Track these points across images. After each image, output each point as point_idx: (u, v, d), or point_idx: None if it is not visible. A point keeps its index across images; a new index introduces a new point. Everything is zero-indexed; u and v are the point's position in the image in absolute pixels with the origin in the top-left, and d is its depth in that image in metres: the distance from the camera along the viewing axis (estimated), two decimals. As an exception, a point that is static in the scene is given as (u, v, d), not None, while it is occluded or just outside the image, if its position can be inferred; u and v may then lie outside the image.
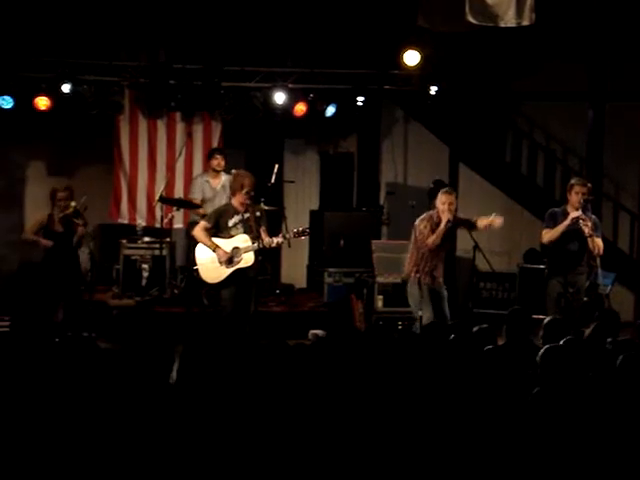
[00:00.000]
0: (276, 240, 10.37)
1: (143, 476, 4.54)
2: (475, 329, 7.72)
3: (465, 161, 15.04)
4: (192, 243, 11.27)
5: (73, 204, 10.99)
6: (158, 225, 13.24)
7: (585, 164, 14.35)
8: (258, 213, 10.40)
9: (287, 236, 10.55)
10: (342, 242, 13.71)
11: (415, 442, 4.73)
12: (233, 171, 11.10)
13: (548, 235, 10.48)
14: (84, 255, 11.45)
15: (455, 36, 12.43)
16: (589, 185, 10.62)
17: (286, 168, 14.65)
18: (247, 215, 10.23)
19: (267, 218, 10.72)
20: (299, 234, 10.58)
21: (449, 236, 10.77)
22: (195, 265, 10.57)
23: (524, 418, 5.10)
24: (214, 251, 10.23)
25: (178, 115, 13.96)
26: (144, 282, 13.05)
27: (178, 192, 13.74)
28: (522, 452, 4.55)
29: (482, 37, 12.53)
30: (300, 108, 13.58)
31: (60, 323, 10.09)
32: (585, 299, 10.92)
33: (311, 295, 13.93)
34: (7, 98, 12.55)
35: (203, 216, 11.38)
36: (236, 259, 10.21)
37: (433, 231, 10.56)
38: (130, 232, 13.51)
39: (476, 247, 11.51)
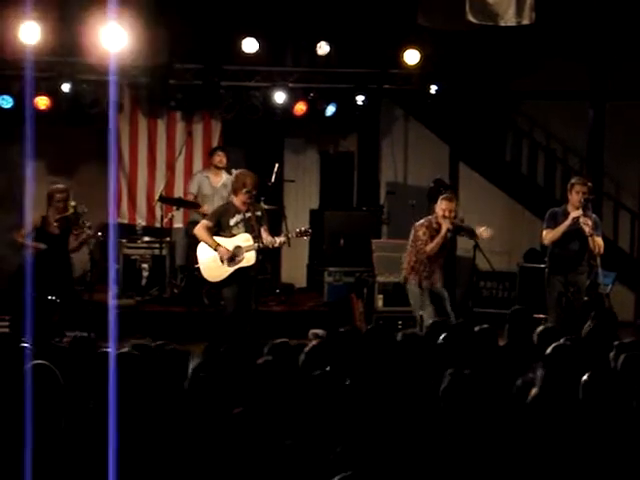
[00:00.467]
0: (279, 240, 10.37)
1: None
2: (476, 329, 7.72)
3: (465, 160, 15.03)
4: (192, 242, 11.26)
5: (73, 204, 10.91)
6: (158, 225, 13.23)
7: (585, 163, 14.35)
8: (259, 212, 10.39)
9: (289, 236, 10.53)
10: (342, 241, 13.71)
11: (416, 442, 4.71)
12: (234, 170, 11.10)
13: (549, 235, 10.47)
14: (84, 255, 11.37)
15: (455, 35, 12.42)
16: (589, 184, 10.60)
17: (286, 167, 14.65)
18: (248, 214, 10.22)
19: (267, 217, 10.71)
20: (301, 234, 10.58)
21: (448, 243, 10.83)
22: (196, 264, 10.57)
23: (524, 418, 5.09)
24: (215, 249, 10.22)
25: (178, 114, 13.97)
26: (144, 282, 13.05)
27: (178, 191, 13.74)
28: (523, 453, 4.54)
29: (482, 36, 12.52)
30: (300, 107, 13.57)
31: (56, 324, 10.03)
32: (586, 298, 10.92)
33: (311, 294, 13.93)
34: (7, 98, 12.56)
35: (204, 215, 11.38)
36: (238, 258, 10.21)
37: (432, 237, 10.59)
38: (130, 232, 13.50)
39: (476, 246, 11.48)
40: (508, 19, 11.22)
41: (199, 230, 10.41)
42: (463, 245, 13.09)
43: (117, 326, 5.99)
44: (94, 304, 10.69)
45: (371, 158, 15.11)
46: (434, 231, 10.62)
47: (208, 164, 13.36)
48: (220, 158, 12.94)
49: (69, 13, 12.11)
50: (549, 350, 6.54)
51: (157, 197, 13.04)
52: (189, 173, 13.87)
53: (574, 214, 10.23)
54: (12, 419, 4.79)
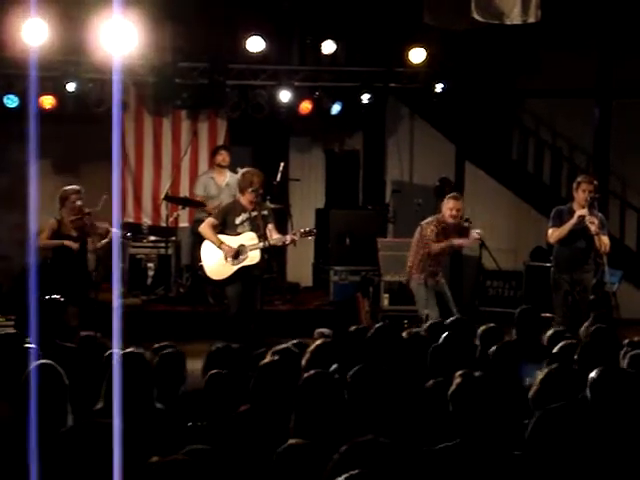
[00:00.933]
0: (289, 238, 10.38)
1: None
2: (482, 328, 7.71)
3: (471, 159, 15.01)
4: (198, 241, 11.26)
5: (87, 211, 10.71)
6: (164, 224, 13.22)
7: (592, 161, 14.33)
8: (265, 211, 10.38)
9: (295, 235, 10.52)
10: (348, 240, 13.68)
11: (423, 442, 4.70)
12: (239, 169, 11.09)
13: (555, 234, 10.43)
14: (91, 255, 11.32)
15: (461, 33, 12.40)
16: (596, 183, 10.57)
17: (292, 166, 14.64)
18: (254, 213, 10.22)
19: (273, 216, 10.70)
20: (306, 234, 10.57)
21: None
22: (200, 262, 10.57)
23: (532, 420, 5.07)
24: (219, 247, 10.22)
25: (183, 113, 13.97)
26: (149, 281, 13.04)
27: (183, 190, 13.75)
28: (533, 455, 4.52)
29: (488, 34, 12.50)
30: (305, 106, 13.57)
31: (73, 327, 9.95)
32: (592, 297, 10.89)
33: (317, 293, 13.92)
34: (12, 97, 12.56)
35: (209, 214, 11.37)
36: (242, 256, 10.20)
37: (438, 235, 10.62)
38: (135, 231, 13.49)
39: (482, 245, 11.48)
40: (514, 17, 11.20)
41: (204, 228, 10.42)
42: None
43: (122, 326, 5.96)
44: (100, 303, 10.68)
45: (377, 157, 15.10)
46: (442, 230, 10.63)
47: (211, 163, 13.35)
48: (223, 157, 12.93)
49: (74, 12, 12.10)
50: (556, 349, 6.56)
51: (163, 196, 13.03)
52: (195, 172, 13.86)
53: (580, 213, 10.20)
54: (16, 419, 4.78)
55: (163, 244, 13.00)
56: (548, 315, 10.44)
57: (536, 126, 15.13)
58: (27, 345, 5.95)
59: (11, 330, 6.94)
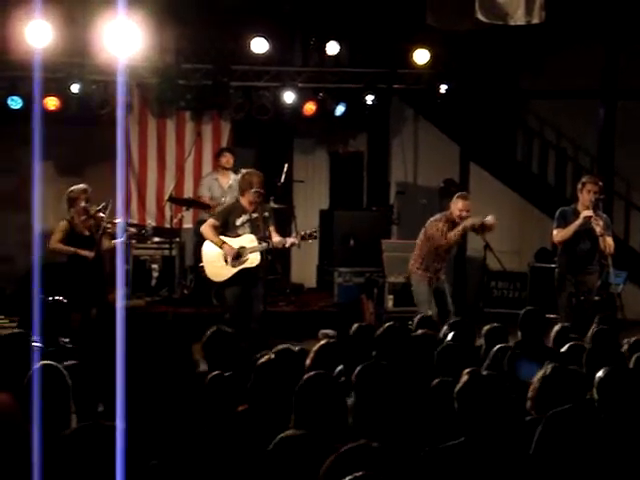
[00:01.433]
0: (289, 240, 10.37)
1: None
2: (487, 328, 7.71)
3: (476, 160, 15.00)
4: (201, 242, 11.25)
5: (94, 208, 10.68)
6: (168, 225, 13.22)
7: (596, 162, 14.31)
8: (266, 213, 10.37)
9: (296, 239, 10.51)
10: (352, 242, 13.68)
11: (429, 441, 4.69)
12: (242, 170, 11.09)
13: (560, 235, 10.41)
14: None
15: (464, 34, 12.38)
16: (601, 184, 10.54)
17: (296, 167, 14.63)
18: (255, 215, 10.22)
19: (276, 217, 10.70)
20: (307, 237, 10.54)
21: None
22: (201, 262, 10.56)
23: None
24: (221, 247, 10.21)
25: (187, 115, 13.96)
26: (154, 282, 13.04)
27: (187, 192, 13.74)
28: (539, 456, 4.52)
29: (492, 35, 12.49)
30: (309, 107, 13.56)
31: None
32: (596, 298, 10.87)
33: (321, 295, 13.91)
34: (16, 98, 12.57)
35: (212, 214, 11.38)
36: (242, 258, 10.19)
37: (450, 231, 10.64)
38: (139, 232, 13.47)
39: (487, 246, 11.46)
40: (518, 18, 11.18)
41: (205, 228, 10.42)
42: (474, 245, 13.06)
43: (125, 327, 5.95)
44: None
45: (381, 158, 15.09)
46: (451, 225, 10.64)
47: (215, 165, 13.34)
48: (227, 159, 12.94)
49: (78, 14, 12.11)
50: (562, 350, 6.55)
51: (167, 197, 13.03)
52: (199, 173, 13.86)
53: (585, 213, 10.17)
54: (19, 420, 4.78)
55: (167, 245, 12.99)
56: (553, 316, 10.45)
57: (540, 127, 15.12)
58: (33, 344, 5.94)
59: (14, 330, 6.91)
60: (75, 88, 12.67)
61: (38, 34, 11.63)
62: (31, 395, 4.74)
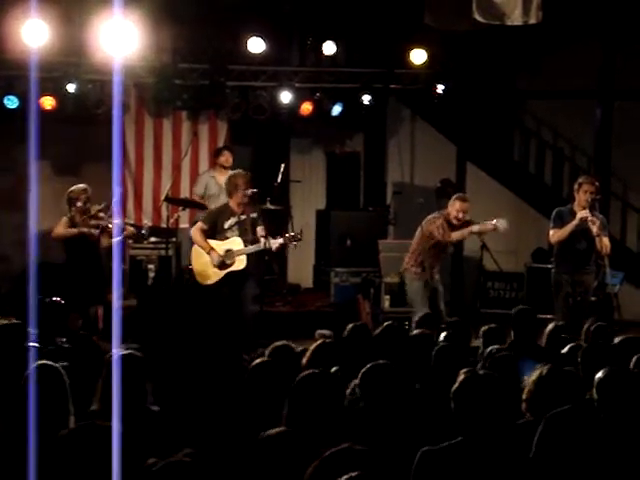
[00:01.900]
0: (277, 242, 10.36)
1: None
2: (484, 328, 7.72)
3: (473, 160, 14.98)
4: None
5: (95, 208, 10.68)
6: (164, 225, 13.20)
7: (593, 162, 14.30)
8: (254, 214, 10.39)
9: (287, 240, 10.52)
10: (349, 242, 13.67)
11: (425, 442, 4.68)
12: (231, 171, 11.11)
13: (557, 235, 10.41)
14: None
15: (462, 34, 12.37)
16: (597, 184, 10.55)
17: (292, 167, 14.62)
18: (243, 217, 10.29)
19: (269, 218, 10.74)
20: (292, 239, 10.54)
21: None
22: (190, 265, 10.62)
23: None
24: (208, 253, 10.32)
25: (184, 114, 13.95)
26: (150, 282, 13.02)
27: (184, 192, 13.72)
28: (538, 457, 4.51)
29: (489, 35, 12.48)
30: (306, 107, 13.55)
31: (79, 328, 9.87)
32: (593, 299, 10.87)
33: (318, 295, 13.90)
34: (12, 98, 12.55)
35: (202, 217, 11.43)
36: (228, 262, 10.26)
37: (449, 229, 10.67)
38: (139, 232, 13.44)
39: (483, 246, 11.46)
40: (515, 18, 11.18)
41: (194, 232, 10.57)
42: (470, 245, 13.06)
43: (122, 327, 5.95)
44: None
45: (377, 158, 15.08)
46: (448, 225, 10.64)
47: (214, 164, 13.33)
48: (226, 157, 12.93)
49: (74, 13, 12.10)
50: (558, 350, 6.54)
51: (163, 197, 13.01)
52: (195, 173, 13.84)
53: (582, 214, 10.16)
54: (16, 419, 4.77)
55: (164, 245, 12.97)
56: (549, 316, 10.44)
57: (537, 127, 15.11)
58: (28, 341, 5.94)
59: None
60: (71, 87, 12.65)
61: (34, 33, 11.61)
62: (29, 395, 4.73)
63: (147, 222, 13.72)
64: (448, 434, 4.60)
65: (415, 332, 7.07)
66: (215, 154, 13.30)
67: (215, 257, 10.27)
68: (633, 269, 13.84)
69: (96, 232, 10.61)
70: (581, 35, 13.76)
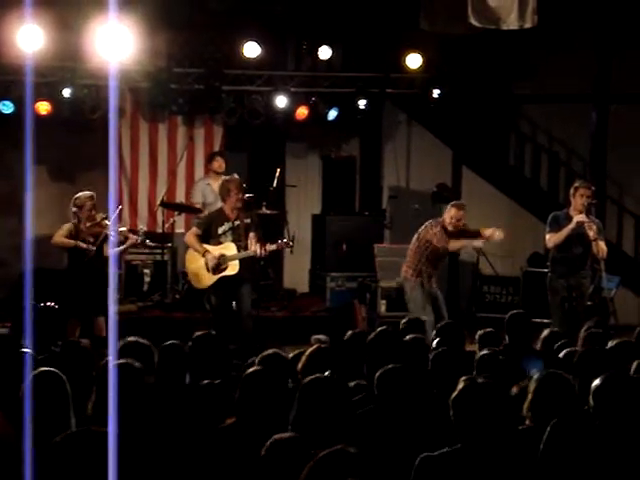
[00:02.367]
0: (269, 248, 10.40)
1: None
2: (480, 333, 7.71)
3: (468, 164, 14.98)
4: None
5: (100, 215, 10.62)
6: (160, 230, 13.19)
7: (589, 167, 14.30)
8: (248, 220, 10.42)
9: (278, 246, 10.58)
10: (345, 246, 13.65)
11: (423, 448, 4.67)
12: (225, 177, 11.11)
13: (553, 239, 10.41)
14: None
15: (457, 39, 12.38)
16: (593, 188, 10.55)
17: (288, 172, 14.60)
18: (237, 222, 10.35)
19: (264, 223, 10.76)
20: (283, 245, 10.61)
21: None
22: (184, 269, 10.70)
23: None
24: (203, 256, 10.37)
25: (179, 119, 13.93)
26: (145, 287, 13.02)
27: (179, 196, 13.71)
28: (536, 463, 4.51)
29: (484, 39, 12.48)
30: (302, 112, 13.54)
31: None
32: (589, 303, 10.87)
33: (314, 300, 13.88)
34: (7, 103, 12.54)
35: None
36: (222, 266, 10.30)
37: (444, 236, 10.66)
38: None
39: (479, 251, 11.46)
40: (510, 23, 11.19)
41: (188, 237, 10.65)
42: (466, 250, 13.04)
43: (118, 332, 5.93)
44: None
45: (373, 162, 15.07)
46: (445, 232, 10.63)
47: (207, 170, 13.31)
48: (219, 163, 12.90)
49: (69, 18, 12.07)
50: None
51: (159, 202, 13.01)
52: (191, 178, 13.83)
53: (578, 218, 10.16)
54: (15, 426, 4.76)
55: (159, 250, 12.97)
56: (545, 321, 10.44)
57: (533, 131, 15.10)
58: (23, 350, 5.92)
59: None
60: (67, 92, 12.64)
61: (30, 38, 11.61)
62: (29, 402, 4.73)
63: (142, 227, 13.71)
64: (447, 440, 4.59)
65: (408, 337, 7.06)
66: (208, 160, 13.29)
67: (210, 260, 10.32)
68: (629, 273, 13.84)
69: (95, 244, 10.52)
70: (576, 39, 13.77)
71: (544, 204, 13.77)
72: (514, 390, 5.64)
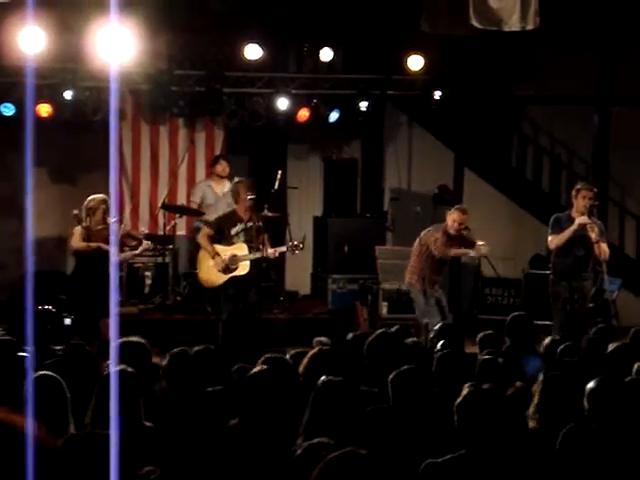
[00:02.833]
0: (278, 250, 10.56)
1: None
2: (481, 335, 7.69)
3: (470, 166, 14.96)
4: (195, 248, 11.46)
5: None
6: (161, 232, 13.18)
7: (591, 168, 14.28)
8: (261, 223, 10.57)
9: (288, 247, 10.71)
10: (346, 248, 13.64)
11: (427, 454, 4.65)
12: (236, 178, 11.18)
13: (555, 240, 10.39)
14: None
15: (459, 40, 12.36)
16: (595, 190, 10.54)
17: (289, 174, 14.58)
18: (250, 224, 10.46)
19: (270, 225, 10.84)
20: (293, 248, 10.72)
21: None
22: (196, 269, 10.90)
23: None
24: (213, 258, 10.53)
25: (180, 121, 13.92)
26: (147, 289, 13.00)
27: (181, 199, 13.70)
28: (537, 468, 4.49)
29: (486, 41, 12.46)
30: (303, 114, 13.52)
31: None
32: (591, 305, 10.85)
33: (315, 302, 13.86)
34: (8, 105, 12.53)
35: (206, 222, 11.49)
36: (232, 266, 10.43)
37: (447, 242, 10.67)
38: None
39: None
40: (512, 24, 11.15)
41: (201, 237, 10.80)
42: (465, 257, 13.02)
43: (119, 335, 5.90)
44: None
45: (375, 164, 15.06)
46: (447, 237, 10.62)
47: (210, 173, 13.31)
48: (223, 167, 12.92)
49: (71, 20, 12.07)
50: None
51: (160, 205, 13.00)
52: (192, 180, 13.82)
53: (581, 220, 10.14)
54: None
55: (160, 252, 12.95)
56: (547, 323, 10.42)
57: (535, 133, 15.08)
58: (23, 353, 5.91)
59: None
60: (68, 94, 12.64)
61: (31, 40, 11.59)
62: (28, 406, 4.70)
63: (144, 229, 13.71)
64: (451, 445, 4.58)
65: (409, 340, 7.05)
66: (212, 164, 13.30)
67: (219, 262, 10.48)
68: (631, 275, 13.82)
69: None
70: (579, 41, 13.75)
71: (546, 206, 13.74)
72: (509, 392, 5.62)
